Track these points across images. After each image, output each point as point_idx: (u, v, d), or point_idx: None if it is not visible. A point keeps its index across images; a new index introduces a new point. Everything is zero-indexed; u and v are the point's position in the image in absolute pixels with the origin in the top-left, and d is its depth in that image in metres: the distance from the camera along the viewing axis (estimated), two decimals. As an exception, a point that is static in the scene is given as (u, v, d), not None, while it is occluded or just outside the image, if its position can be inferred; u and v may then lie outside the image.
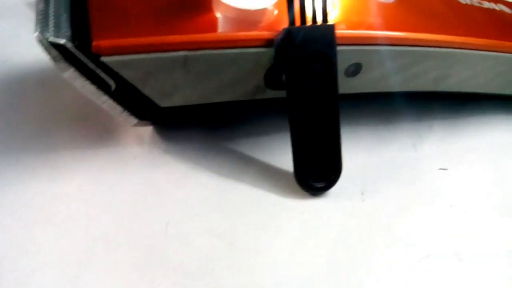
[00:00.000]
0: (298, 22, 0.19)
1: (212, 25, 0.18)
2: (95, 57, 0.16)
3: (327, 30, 0.19)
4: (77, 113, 0.20)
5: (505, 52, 0.25)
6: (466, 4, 0.27)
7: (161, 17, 0.18)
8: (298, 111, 0.19)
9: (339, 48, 0.20)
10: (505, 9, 0.29)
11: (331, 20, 0.19)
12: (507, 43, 0.26)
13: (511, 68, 0.26)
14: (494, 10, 0.28)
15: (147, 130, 0.21)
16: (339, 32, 0.20)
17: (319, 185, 0.20)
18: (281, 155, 0.21)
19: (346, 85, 0.22)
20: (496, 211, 0.22)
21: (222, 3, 0.19)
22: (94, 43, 0.16)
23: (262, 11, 0.19)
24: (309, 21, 0.19)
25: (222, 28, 0.18)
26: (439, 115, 0.27)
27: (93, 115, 0.20)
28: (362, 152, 0.24)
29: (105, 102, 0.18)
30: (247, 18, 0.19)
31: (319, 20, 0.19)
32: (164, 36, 0.17)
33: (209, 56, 0.18)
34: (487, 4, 0.29)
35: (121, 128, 0.19)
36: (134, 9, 0.18)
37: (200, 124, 0.22)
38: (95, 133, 0.20)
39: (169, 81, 0.18)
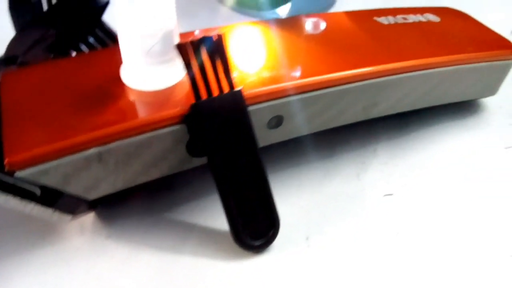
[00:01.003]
0: (204, 95, 0.19)
1: (123, 114, 0.19)
2: (10, 173, 0.17)
3: (234, 97, 0.19)
4: (12, 213, 0.21)
5: (433, 68, 0.26)
6: (390, 25, 0.28)
7: (71, 117, 0.18)
8: (222, 174, 0.19)
9: (252, 108, 0.20)
10: (433, 18, 0.30)
11: (239, 84, 0.20)
12: (434, 59, 0.26)
13: (444, 80, 0.27)
14: (420, 22, 0.29)
15: (89, 217, 0.22)
16: (249, 92, 0.20)
17: (259, 243, 0.20)
18: (221, 215, 0.21)
19: (272, 137, 0.22)
20: (442, 234, 0.22)
21: (128, 88, 0.20)
22: (6, 161, 0.17)
23: (170, 89, 0.20)
24: (216, 91, 0.19)
25: (133, 114, 0.19)
26: (383, 136, 0.28)
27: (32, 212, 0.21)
28: (305, 193, 0.24)
29: (34, 209, 0.18)
30: (156, 99, 0.20)
31: (227, 87, 0.19)
32: (72, 137, 0.18)
33: (123, 146, 0.18)
34: (412, 18, 0.29)
35: (62, 220, 0.20)
36: (43, 116, 0.18)
37: (140, 199, 0.23)
38: (35, 231, 0.21)
39: (90, 176, 0.19)
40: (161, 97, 0.19)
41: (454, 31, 0.29)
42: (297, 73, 0.22)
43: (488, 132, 0.29)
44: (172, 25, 0.19)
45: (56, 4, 0.23)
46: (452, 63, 0.26)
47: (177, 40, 0.20)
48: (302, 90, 0.22)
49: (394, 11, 0.29)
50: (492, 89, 0.29)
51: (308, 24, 0.26)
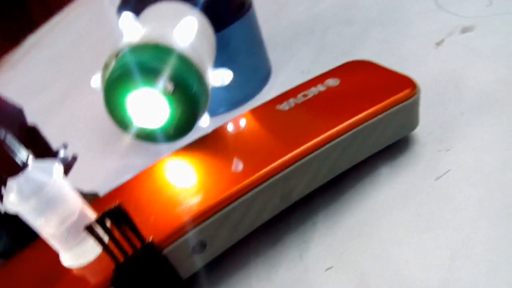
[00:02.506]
0: (121, 258, 0.23)
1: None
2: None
3: (148, 249, 0.23)
4: None
5: (339, 137, 0.28)
6: (291, 109, 0.30)
7: None
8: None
9: (172, 246, 0.24)
10: (333, 82, 0.32)
11: (150, 234, 0.23)
12: (336, 129, 0.27)
13: (355, 141, 0.28)
14: (320, 94, 0.31)
15: None
16: (162, 236, 0.23)
17: None
18: None
19: (204, 258, 0.25)
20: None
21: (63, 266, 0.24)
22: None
23: (95, 261, 0.24)
24: (130, 250, 0.23)
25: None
26: (320, 205, 0.30)
27: None
28: (256, 290, 0.26)
29: None
30: (87, 271, 0.23)
31: (138, 243, 0.23)
32: None
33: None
34: (312, 91, 0.31)
35: None
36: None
37: None
38: None
39: None
40: (89, 269, 0.23)
41: (354, 89, 0.31)
42: (203, 197, 0.25)
43: (419, 166, 0.30)
44: (75, 217, 0.23)
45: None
46: (356, 124, 0.28)
47: (85, 221, 0.23)
48: (212, 212, 0.24)
49: (294, 91, 0.31)
50: (411, 124, 0.31)
51: (212, 139, 0.29)
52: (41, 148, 0.33)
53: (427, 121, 0.32)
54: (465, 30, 0.40)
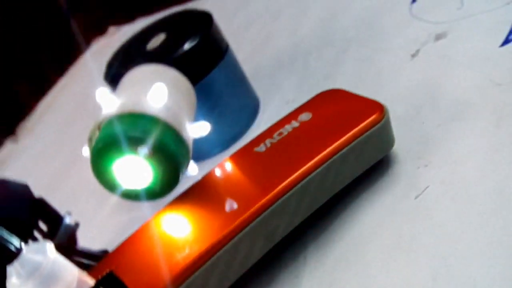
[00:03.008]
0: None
1: None
2: None
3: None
4: None
5: (312, 172, 0.29)
6: (267, 149, 0.31)
7: None
8: None
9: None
10: (305, 117, 0.33)
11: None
12: (309, 165, 0.29)
13: (329, 172, 0.29)
14: (294, 130, 0.32)
15: None
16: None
17: None
18: None
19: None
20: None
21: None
22: None
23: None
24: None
25: None
26: (310, 237, 0.31)
27: None
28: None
29: None
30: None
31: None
32: None
33: None
34: (287, 128, 0.33)
35: None
36: None
37: None
38: None
39: None
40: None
41: (326, 122, 0.32)
42: (189, 250, 0.26)
43: (399, 186, 0.31)
44: (75, 285, 0.25)
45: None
46: (328, 156, 0.29)
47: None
48: (198, 264, 0.26)
49: (270, 131, 0.33)
50: (386, 146, 0.32)
51: (198, 188, 0.31)
52: (51, 217, 0.36)
53: (405, 138, 0.33)
54: (438, 37, 0.41)
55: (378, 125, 0.30)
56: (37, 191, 0.35)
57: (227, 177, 0.31)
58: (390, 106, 0.31)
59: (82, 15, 0.87)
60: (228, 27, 0.47)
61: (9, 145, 0.79)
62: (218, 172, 0.32)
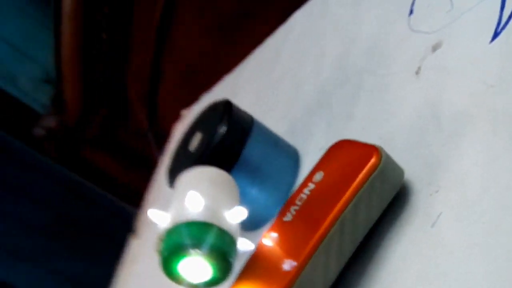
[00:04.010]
0: None
1: None
2: None
3: None
4: None
5: (328, 232, 0.33)
6: (293, 217, 0.36)
7: None
8: None
9: None
10: (318, 177, 0.37)
11: None
12: (330, 219, 0.33)
13: (352, 219, 0.33)
14: (311, 192, 0.36)
15: None
16: None
17: None
18: None
19: None
20: None
21: None
22: None
23: None
24: None
25: None
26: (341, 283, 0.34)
27: None
28: None
29: None
30: None
31: None
32: None
33: None
34: (305, 192, 0.37)
35: None
36: None
37: None
38: None
39: None
40: None
41: (335, 178, 0.35)
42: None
43: (417, 216, 0.33)
44: None
45: None
46: (339, 212, 0.33)
47: None
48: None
49: (292, 199, 0.37)
50: (396, 179, 0.34)
51: (248, 267, 0.37)
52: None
53: (415, 165, 0.35)
54: (435, 48, 0.42)
55: (378, 169, 0.33)
56: None
57: (265, 251, 0.36)
58: (400, 134, 0.34)
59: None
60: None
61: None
62: (262, 247, 0.37)
